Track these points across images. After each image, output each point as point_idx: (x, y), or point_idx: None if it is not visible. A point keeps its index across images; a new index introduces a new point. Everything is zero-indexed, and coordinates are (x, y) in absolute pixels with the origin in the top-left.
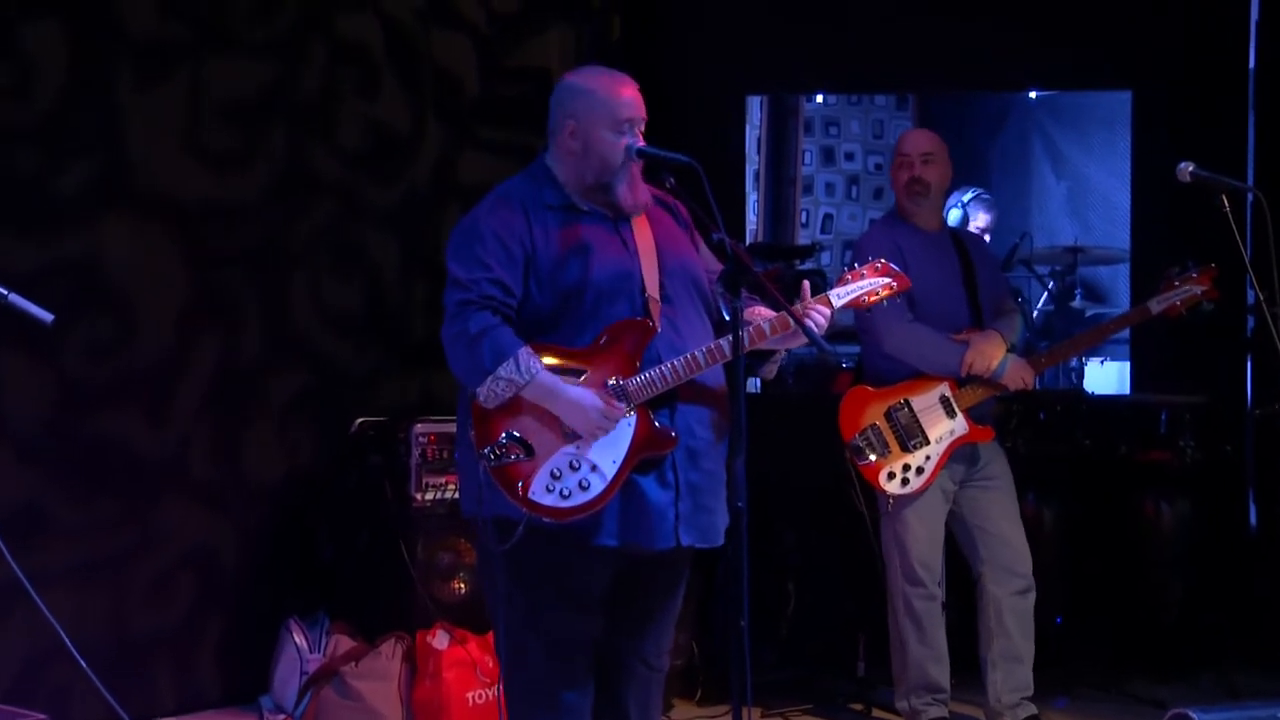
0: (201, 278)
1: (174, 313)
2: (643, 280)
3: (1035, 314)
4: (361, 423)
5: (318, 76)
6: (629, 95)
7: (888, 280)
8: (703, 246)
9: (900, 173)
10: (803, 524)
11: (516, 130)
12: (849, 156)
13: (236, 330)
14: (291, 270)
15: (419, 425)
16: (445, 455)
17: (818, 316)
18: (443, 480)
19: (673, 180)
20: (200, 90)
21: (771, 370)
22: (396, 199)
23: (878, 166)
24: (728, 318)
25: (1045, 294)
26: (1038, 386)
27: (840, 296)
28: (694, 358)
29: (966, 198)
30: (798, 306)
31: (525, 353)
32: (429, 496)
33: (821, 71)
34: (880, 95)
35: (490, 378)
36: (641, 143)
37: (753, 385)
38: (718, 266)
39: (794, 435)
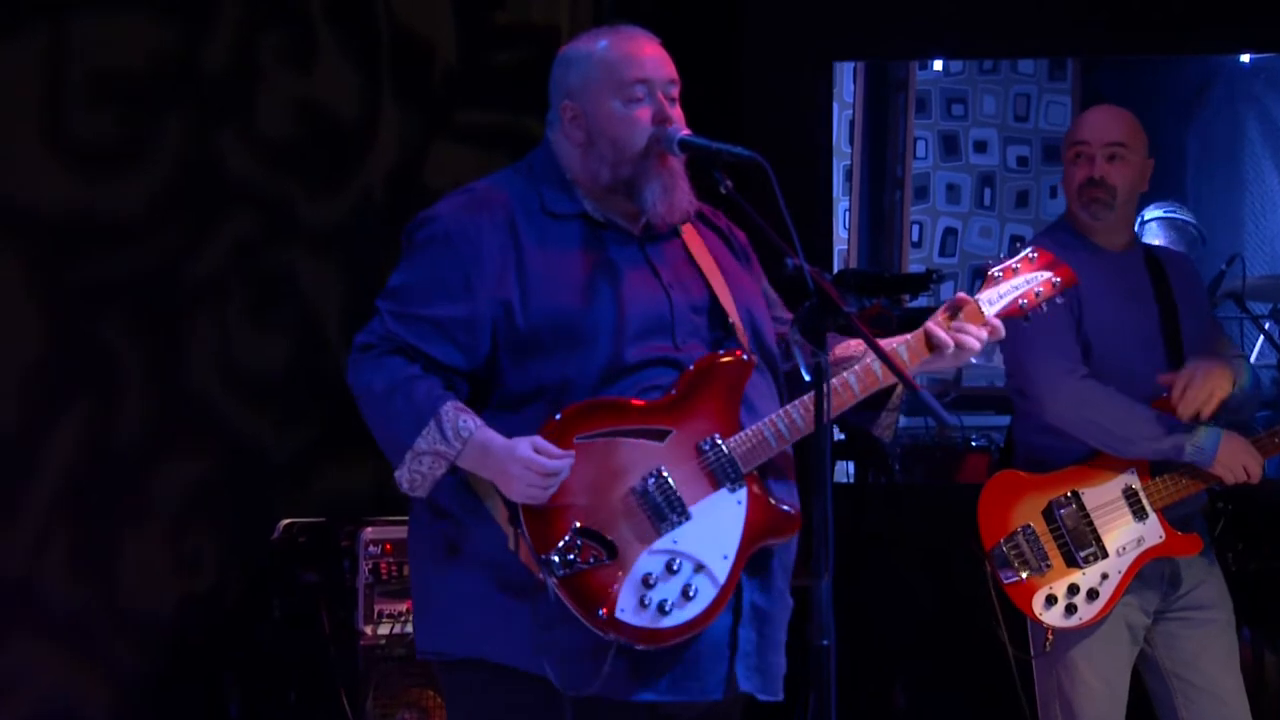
0: (61, 322)
1: (20, 372)
2: (719, 306)
3: None
4: (288, 526)
5: (229, 41)
6: (641, 51)
7: (1048, 275)
8: (765, 284)
9: (1075, 169)
10: (918, 670)
11: (511, 114)
12: (980, 147)
13: (110, 397)
14: (190, 312)
15: (370, 530)
16: (407, 572)
17: (970, 340)
18: (403, 607)
19: (729, 183)
20: (64, 58)
21: (888, 426)
22: (340, 211)
23: (1022, 161)
24: (807, 377)
25: (1264, 343)
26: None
27: (992, 303)
28: (791, 421)
29: (1148, 215)
30: (936, 327)
31: (452, 408)
32: (384, 630)
33: (941, 27)
34: (1025, 60)
35: (409, 457)
36: (685, 130)
37: (842, 473)
38: (782, 314)
39: (905, 543)
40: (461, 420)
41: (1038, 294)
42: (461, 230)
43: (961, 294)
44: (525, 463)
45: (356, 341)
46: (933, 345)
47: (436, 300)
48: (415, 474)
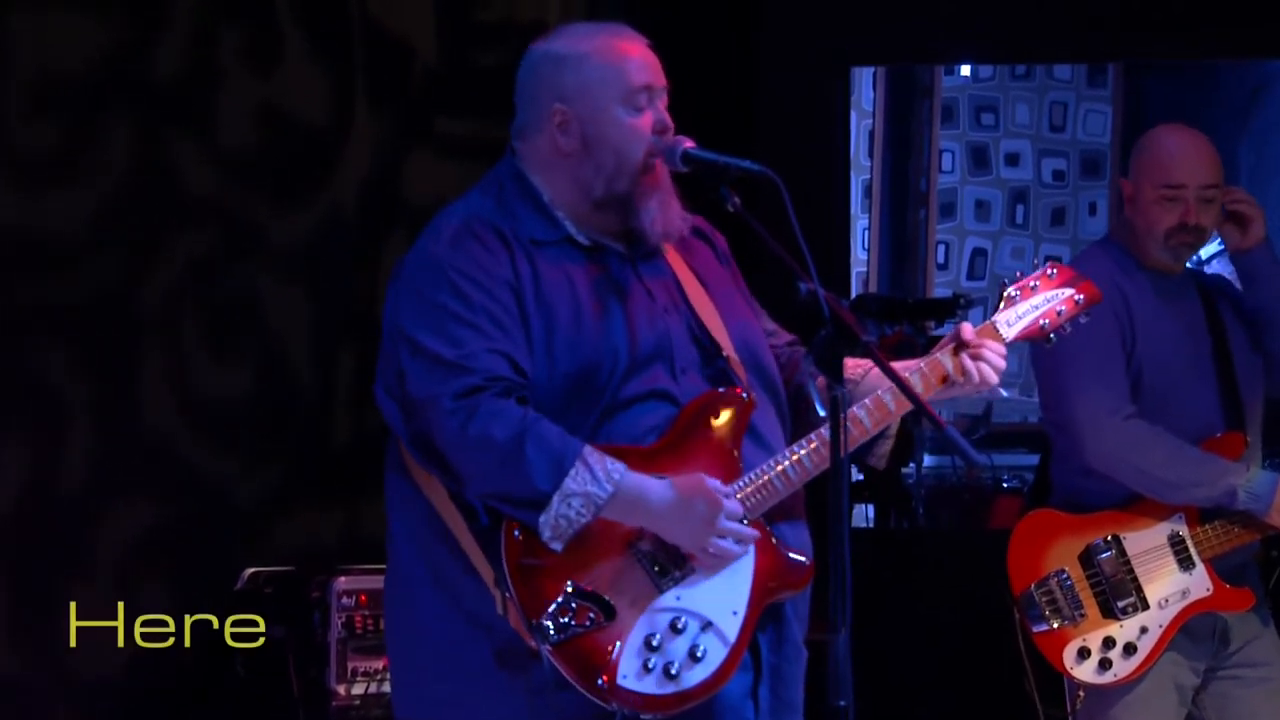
0: None
1: None
2: (711, 337)
3: None
4: (253, 576)
5: (184, 41)
6: (641, 54)
7: (1070, 292)
8: (752, 299)
9: (1164, 212)
10: None
11: (496, 121)
12: (1012, 160)
13: (52, 437)
14: (141, 340)
15: (342, 580)
16: (384, 626)
17: (989, 367)
18: (379, 664)
19: (737, 200)
20: (1, 60)
21: (883, 455)
22: (307, 228)
23: (1058, 175)
24: (822, 412)
25: None
26: None
27: (1011, 324)
28: (799, 462)
29: (1206, 251)
30: (940, 357)
31: (591, 451)
32: (358, 690)
33: (969, 28)
34: (1062, 65)
35: (558, 499)
36: (688, 141)
37: (860, 517)
38: (769, 325)
39: (928, 592)
40: (609, 462)
41: (1060, 313)
42: (467, 261)
43: (965, 324)
44: (725, 511)
45: (450, 388)
46: (945, 376)
47: (492, 329)
48: (561, 519)
